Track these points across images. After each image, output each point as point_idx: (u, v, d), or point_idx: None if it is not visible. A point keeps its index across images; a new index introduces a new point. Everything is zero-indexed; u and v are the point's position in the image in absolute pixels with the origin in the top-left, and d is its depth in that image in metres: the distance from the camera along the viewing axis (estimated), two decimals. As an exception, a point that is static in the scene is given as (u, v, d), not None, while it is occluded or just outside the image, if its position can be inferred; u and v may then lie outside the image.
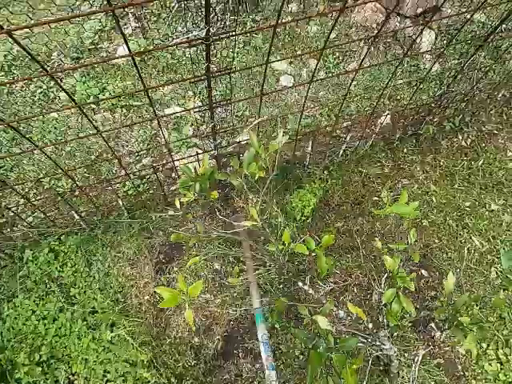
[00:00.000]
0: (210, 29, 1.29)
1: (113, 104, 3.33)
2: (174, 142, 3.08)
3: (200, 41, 1.44)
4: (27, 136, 3.14)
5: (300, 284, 1.61)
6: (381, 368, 2.07)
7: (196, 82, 1.73)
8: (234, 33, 1.50)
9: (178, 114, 3.29)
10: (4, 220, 2.68)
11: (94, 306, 2.38)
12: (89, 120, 1.79)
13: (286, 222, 2.57)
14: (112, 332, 2.28)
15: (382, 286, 1.87)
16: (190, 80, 1.71)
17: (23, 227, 2.55)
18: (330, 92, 3.45)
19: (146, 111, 3.31)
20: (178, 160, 2.52)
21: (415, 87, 3.35)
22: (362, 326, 1.65)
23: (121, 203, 2.62)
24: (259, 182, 1.51)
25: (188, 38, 1.40)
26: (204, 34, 1.36)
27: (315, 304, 1.79)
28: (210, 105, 1.89)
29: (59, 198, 2.75)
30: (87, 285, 2.46)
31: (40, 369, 2.18)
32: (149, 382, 2.17)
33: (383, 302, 1.47)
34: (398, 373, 2.13)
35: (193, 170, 2.76)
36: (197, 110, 1.98)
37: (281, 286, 2.42)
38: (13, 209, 2.77)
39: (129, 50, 1.41)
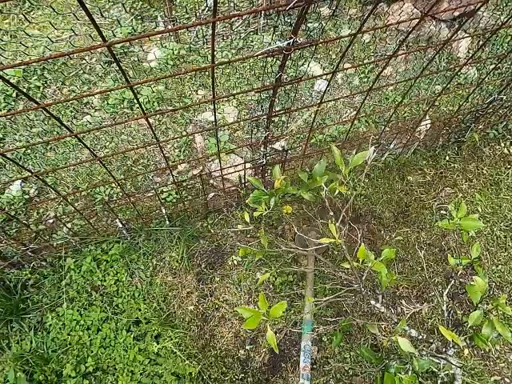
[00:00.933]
0: (296, 40, 1.24)
1: (147, 109, 3.28)
2: (209, 147, 3.04)
3: (278, 51, 1.38)
4: (61, 140, 3.11)
5: (373, 302, 1.55)
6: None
7: (262, 90, 1.67)
8: (315, 43, 1.44)
9: (212, 120, 3.24)
10: (44, 227, 2.65)
11: (138, 316, 2.34)
12: (151, 132, 1.73)
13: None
14: (158, 344, 2.23)
15: (445, 298, 1.81)
16: (257, 89, 1.65)
17: (65, 234, 2.52)
18: (367, 98, 3.39)
19: (181, 116, 3.27)
20: (218, 169, 2.47)
21: (454, 93, 3.29)
22: (432, 345, 1.59)
23: (164, 211, 2.57)
24: (336, 198, 1.46)
25: (270, 48, 1.35)
26: (285, 44, 1.30)
27: (383, 322, 1.73)
28: (269, 114, 1.84)
29: (100, 206, 2.71)
30: (130, 294, 2.41)
31: (87, 381, 2.13)
32: (198, 395, 2.12)
33: (463, 321, 1.41)
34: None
35: (237, 180, 2.72)
36: (255, 118, 1.93)
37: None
38: (51, 215, 2.74)
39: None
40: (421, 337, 1.57)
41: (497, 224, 2.68)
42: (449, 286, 1.78)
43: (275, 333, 2.36)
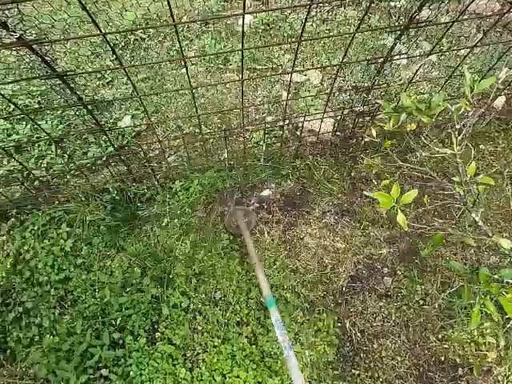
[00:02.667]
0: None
1: (238, 66, 3.62)
2: (296, 103, 3.34)
3: None
4: (163, 87, 3.49)
5: (473, 215, 1.81)
6: None
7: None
8: None
9: (298, 80, 3.55)
10: (152, 154, 3.03)
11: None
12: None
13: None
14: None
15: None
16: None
17: (174, 161, 2.88)
18: (443, 74, 3.61)
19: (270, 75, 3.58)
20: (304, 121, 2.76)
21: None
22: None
23: (256, 151, 2.91)
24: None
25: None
26: None
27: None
28: (386, 58, 2.12)
29: (202, 142, 3.07)
30: (228, 217, 2.76)
31: (195, 280, 2.50)
32: (288, 301, 2.45)
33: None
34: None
35: (317, 129, 3.02)
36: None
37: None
38: (157, 146, 3.12)
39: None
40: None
41: None
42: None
43: (355, 264, 2.66)
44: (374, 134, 1.84)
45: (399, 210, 1.55)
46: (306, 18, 1.86)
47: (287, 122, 3.27)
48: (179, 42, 1.63)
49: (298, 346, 2.31)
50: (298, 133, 3.22)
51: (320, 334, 2.35)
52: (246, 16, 4.04)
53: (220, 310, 2.42)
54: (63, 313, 2.39)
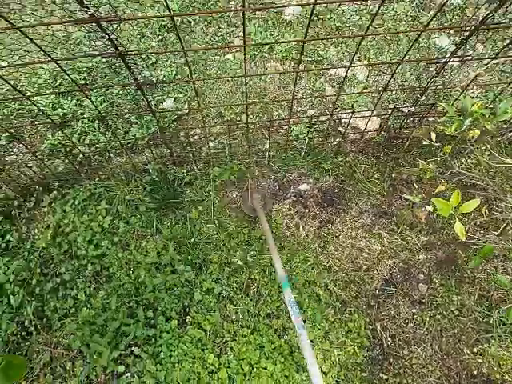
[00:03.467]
0: None
1: (283, 56, 3.56)
2: (342, 99, 3.27)
3: None
4: (207, 72, 3.48)
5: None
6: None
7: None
8: None
9: (343, 74, 3.47)
10: (193, 139, 3.03)
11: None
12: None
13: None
14: (288, 252, 2.56)
15: None
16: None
17: (214, 147, 2.88)
18: (495, 79, 3.46)
19: (315, 67, 3.51)
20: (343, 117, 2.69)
21: None
22: None
23: (296, 144, 2.87)
24: None
25: None
26: None
27: None
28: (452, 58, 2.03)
29: (243, 131, 3.05)
30: (264, 208, 2.75)
31: (228, 269, 2.50)
32: (320, 299, 2.43)
33: None
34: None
35: (360, 126, 2.95)
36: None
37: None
38: (197, 132, 3.12)
39: None
40: None
41: None
42: None
43: (390, 267, 2.61)
44: (434, 137, 1.78)
45: (457, 219, 1.49)
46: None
47: (332, 116, 3.21)
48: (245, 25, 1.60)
49: (327, 344, 2.30)
50: (341, 128, 3.15)
51: (351, 335, 2.33)
52: (294, 6, 3.95)
53: (251, 300, 2.42)
54: (98, 288, 2.44)
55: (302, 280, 2.45)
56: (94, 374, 2.17)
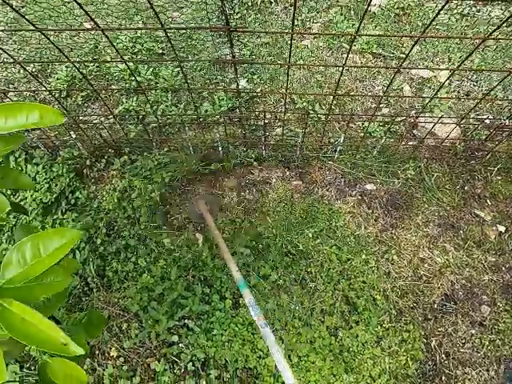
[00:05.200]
0: None
1: (363, 49, 3.44)
2: (421, 100, 3.13)
3: None
4: (282, 56, 3.40)
5: None
6: None
7: None
8: None
9: (424, 75, 3.31)
10: (264, 123, 3.00)
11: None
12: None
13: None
14: (348, 250, 2.51)
15: None
16: None
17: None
18: None
19: (395, 64, 3.37)
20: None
21: None
22: None
23: (369, 142, 2.78)
24: None
25: None
26: None
27: None
28: None
29: (311, 121, 2.98)
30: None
31: (288, 258, 2.48)
32: (377, 304, 2.37)
33: None
34: None
35: (439, 132, 2.81)
36: None
37: None
38: (267, 116, 3.07)
39: None
40: None
41: None
42: None
43: (452, 283, 2.51)
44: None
45: None
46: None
47: (407, 118, 3.08)
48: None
49: (378, 350, 2.25)
50: (416, 132, 3.02)
51: (404, 345, 2.27)
52: (379, -4, 3.79)
53: (306, 293, 2.39)
54: (158, 257, 2.49)
55: (361, 281, 2.40)
56: (148, 338, 2.23)
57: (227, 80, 3.24)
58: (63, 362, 1.12)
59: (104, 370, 2.13)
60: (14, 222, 2.56)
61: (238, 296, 2.40)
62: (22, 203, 2.64)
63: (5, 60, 3.23)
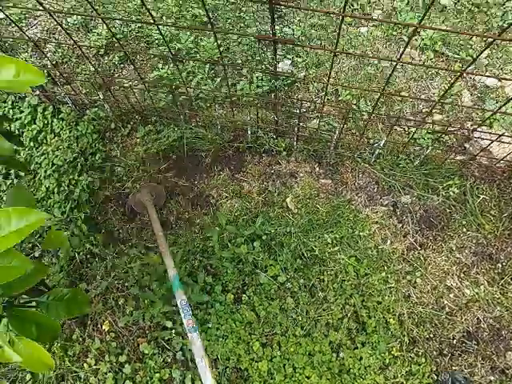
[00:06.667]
0: None
1: (425, 44, 3.09)
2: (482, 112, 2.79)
3: None
4: (334, 41, 3.11)
5: None
6: None
7: None
8: None
9: (488, 83, 2.95)
10: (302, 111, 2.78)
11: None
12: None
13: None
14: (368, 264, 2.30)
15: None
16: None
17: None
18: None
19: (458, 67, 3.02)
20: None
21: None
22: None
23: (412, 150, 2.50)
24: None
25: None
26: None
27: None
28: None
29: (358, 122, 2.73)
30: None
31: (300, 262, 2.31)
32: (389, 328, 2.17)
33: None
34: None
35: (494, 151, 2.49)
36: None
37: None
38: (306, 105, 2.85)
39: None
40: None
41: None
42: None
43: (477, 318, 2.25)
44: None
45: None
46: None
47: (461, 129, 2.76)
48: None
49: (381, 378, 2.07)
50: (468, 146, 2.71)
51: (411, 379, 2.07)
52: (453, -12, 3.39)
53: (314, 302, 2.22)
54: (168, 234, 2.38)
55: (376, 301, 2.20)
56: (142, 318, 2.14)
57: (270, 59, 3.02)
58: (29, 343, 1.02)
59: (92, 343, 2.08)
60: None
61: (241, 292, 2.26)
62: (42, 157, 2.60)
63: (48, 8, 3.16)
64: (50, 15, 2.04)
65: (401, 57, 1.71)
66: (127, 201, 2.48)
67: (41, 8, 1.82)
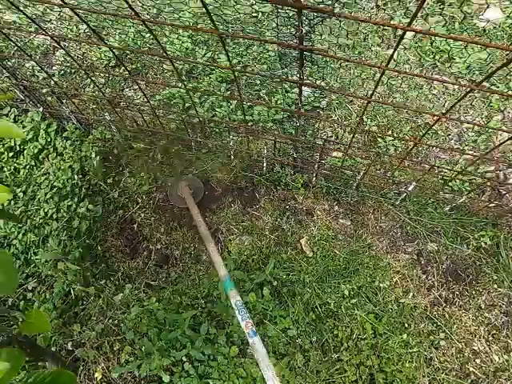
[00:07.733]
0: None
1: (461, 72, 2.85)
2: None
3: None
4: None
5: None
6: None
7: None
8: None
9: (529, 121, 2.70)
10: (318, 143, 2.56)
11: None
12: None
13: None
14: (387, 322, 2.09)
15: None
16: None
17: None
18: None
19: (497, 100, 2.77)
20: None
21: None
22: None
23: (441, 193, 2.28)
24: None
25: None
26: None
27: None
28: None
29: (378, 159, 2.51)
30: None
31: (313, 315, 2.11)
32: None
33: None
34: None
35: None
36: None
37: None
38: (328, 134, 2.63)
39: None
40: None
41: None
42: None
43: None
44: None
45: None
46: None
47: (497, 171, 2.53)
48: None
49: None
50: (505, 191, 2.47)
51: None
52: (493, 10, 3.13)
53: (327, 361, 2.02)
54: (169, 273, 2.20)
55: (395, 369, 1.99)
56: (138, 369, 1.97)
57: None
58: None
59: (83, 394, 1.91)
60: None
61: (246, 344, 2.07)
62: (43, 177, 2.43)
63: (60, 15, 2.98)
64: (73, 11, 1.85)
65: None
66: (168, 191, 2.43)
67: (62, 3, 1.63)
